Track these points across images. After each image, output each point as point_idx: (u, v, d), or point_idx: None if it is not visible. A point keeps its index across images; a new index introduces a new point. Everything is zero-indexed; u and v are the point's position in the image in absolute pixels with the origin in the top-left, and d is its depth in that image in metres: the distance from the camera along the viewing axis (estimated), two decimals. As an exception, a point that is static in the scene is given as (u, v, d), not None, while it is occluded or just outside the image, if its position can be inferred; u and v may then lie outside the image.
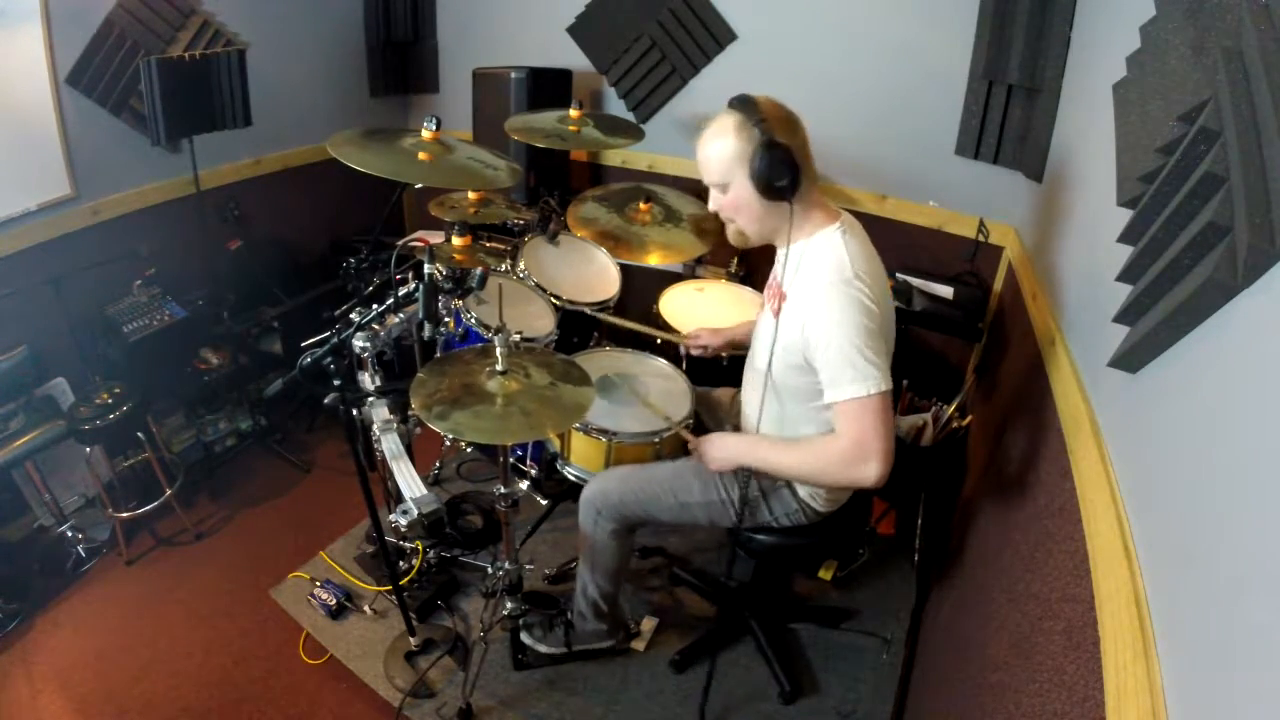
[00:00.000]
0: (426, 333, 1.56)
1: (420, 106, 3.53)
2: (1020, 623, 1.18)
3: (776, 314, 1.41)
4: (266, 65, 2.69)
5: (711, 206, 1.42)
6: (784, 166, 1.27)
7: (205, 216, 2.65)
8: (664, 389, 1.85)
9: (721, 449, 1.51)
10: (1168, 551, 0.83)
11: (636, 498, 1.61)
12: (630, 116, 2.93)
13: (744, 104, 1.31)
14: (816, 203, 1.38)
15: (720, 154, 1.32)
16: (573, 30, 2.92)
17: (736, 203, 1.36)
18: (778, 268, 1.45)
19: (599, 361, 1.95)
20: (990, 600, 1.42)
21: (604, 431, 1.70)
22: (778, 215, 1.35)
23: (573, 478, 1.82)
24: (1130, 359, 1.00)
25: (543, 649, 1.90)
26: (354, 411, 1.53)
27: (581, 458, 1.80)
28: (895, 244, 2.57)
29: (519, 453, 1.99)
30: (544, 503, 2.19)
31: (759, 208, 1.34)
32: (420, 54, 3.38)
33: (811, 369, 1.34)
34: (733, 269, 2.59)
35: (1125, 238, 1.08)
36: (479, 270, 1.54)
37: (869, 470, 1.28)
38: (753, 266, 2.66)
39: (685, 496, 1.59)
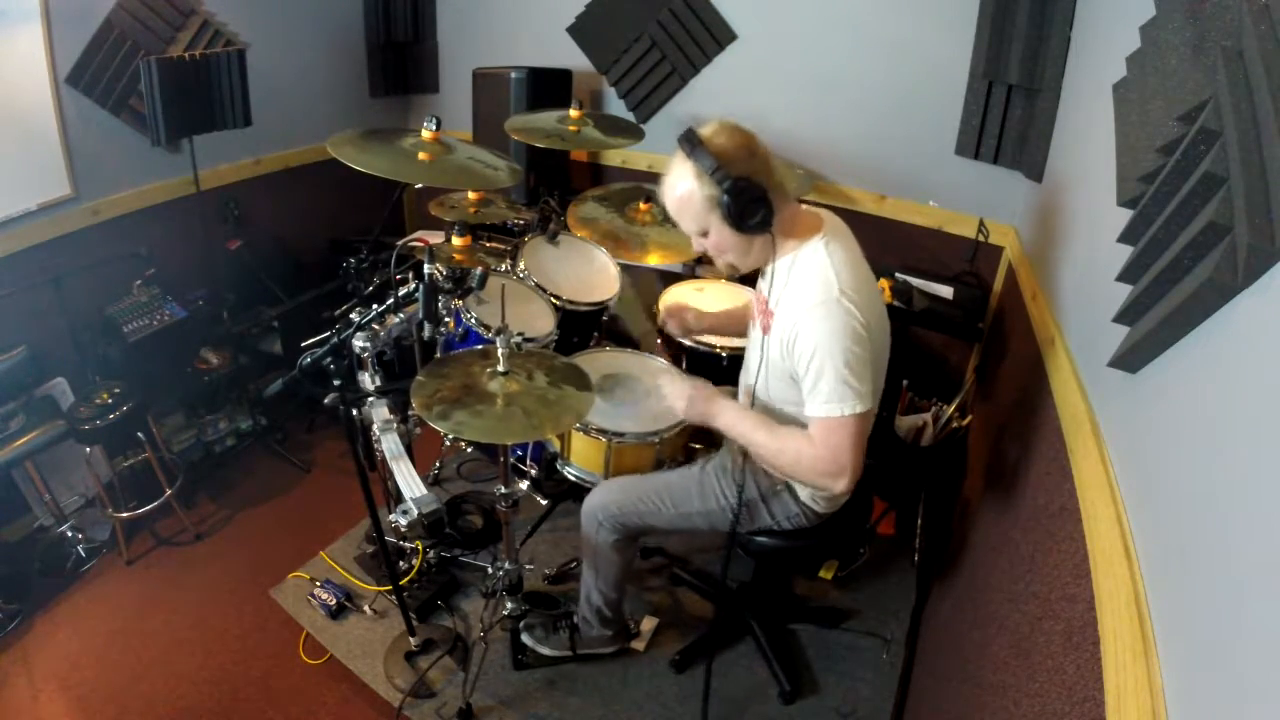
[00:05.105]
0: (426, 333, 1.56)
1: (420, 106, 3.53)
2: (1020, 623, 1.18)
3: (766, 331, 1.41)
4: (266, 65, 2.69)
5: (696, 248, 1.41)
6: (756, 203, 1.26)
7: (205, 216, 2.65)
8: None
9: (703, 400, 1.49)
10: (1168, 551, 0.83)
11: (636, 509, 1.61)
12: (630, 116, 2.93)
13: (694, 147, 1.25)
14: (794, 217, 1.37)
15: (688, 205, 1.31)
16: (573, 30, 2.92)
17: (720, 244, 1.36)
18: (763, 284, 1.44)
19: (599, 361, 1.95)
20: (990, 600, 1.42)
21: (604, 432, 1.70)
22: (763, 242, 1.34)
23: (573, 478, 1.83)
24: (1130, 359, 1.00)
25: (545, 650, 1.90)
26: (354, 411, 1.53)
27: (581, 458, 1.80)
28: (895, 244, 2.57)
29: (519, 453, 1.99)
30: (544, 503, 2.19)
31: (743, 243, 1.34)
32: (420, 54, 3.38)
33: (799, 383, 1.35)
34: (732, 269, 2.60)
35: (1125, 238, 1.08)
36: (479, 270, 1.54)
37: (837, 484, 1.32)
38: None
39: (685, 506, 1.60)
